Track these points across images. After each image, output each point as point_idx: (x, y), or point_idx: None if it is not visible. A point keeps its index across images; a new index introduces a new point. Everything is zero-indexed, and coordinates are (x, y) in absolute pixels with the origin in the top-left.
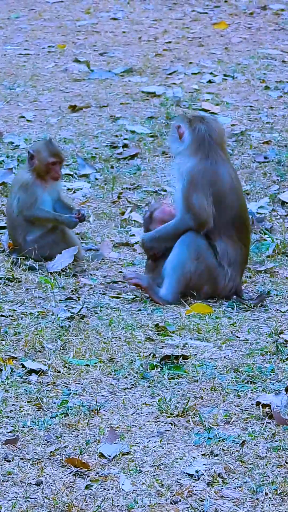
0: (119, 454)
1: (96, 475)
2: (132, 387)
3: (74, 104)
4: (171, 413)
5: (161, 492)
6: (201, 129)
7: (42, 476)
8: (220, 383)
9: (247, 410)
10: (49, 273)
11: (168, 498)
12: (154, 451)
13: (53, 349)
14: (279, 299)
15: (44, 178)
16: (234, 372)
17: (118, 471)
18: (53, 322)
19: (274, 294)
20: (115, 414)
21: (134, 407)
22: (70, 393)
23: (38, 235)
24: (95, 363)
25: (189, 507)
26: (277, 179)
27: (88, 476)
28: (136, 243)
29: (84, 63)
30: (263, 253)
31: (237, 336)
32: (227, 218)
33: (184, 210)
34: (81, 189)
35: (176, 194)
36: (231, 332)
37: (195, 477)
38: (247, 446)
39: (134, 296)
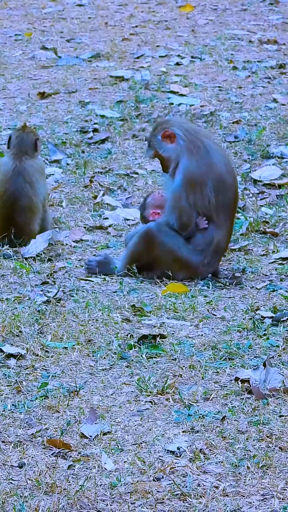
0: (100, 434)
1: (78, 455)
2: (111, 367)
3: (43, 91)
4: (150, 392)
5: (144, 469)
6: (189, 131)
7: (24, 458)
8: (199, 361)
9: (226, 386)
10: (24, 259)
11: (150, 475)
12: (135, 429)
13: (31, 333)
14: (254, 276)
15: None
16: (212, 349)
17: (100, 450)
18: (29, 307)
19: (249, 272)
20: (95, 395)
21: (114, 387)
22: (49, 375)
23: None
24: (73, 345)
25: (172, 483)
26: (248, 158)
27: (70, 456)
28: (109, 226)
29: (52, 50)
30: (237, 232)
31: (213, 314)
32: (227, 200)
33: (172, 208)
34: (52, 174)
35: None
36: (208, 310)
37: (176, 453)
38: (227, 422)
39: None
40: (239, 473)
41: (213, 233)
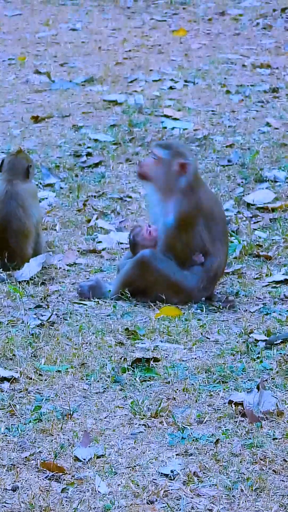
0: (94, 457)
1: (71, 478)
2: (105, 391)
3: (37, 114)
4: (144, 415)
5: (137, 492)
6: (195, 164)
7: (18, 481)
8: (192, 384)
9: (220, 409)
10: (18, 282)
11: (144, 498)
12: (129, 452)
13: (24, 356)
14: (247, 300)
15: None
16: (206, 372)
17: (94, 473)
18: (23, 330)
19: (242, 295)
20: (89, 418)
21: (107, 411)
22: (42, 399)
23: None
24: (67, 368)
25: (166, 506)
26: (242, 182)
27: (64, 479)
28: (103, 249)
29: (45, 74)
30: (231, 255)
31: (207, 337)
32: (218, 230)
33: (165, 249)
34: (46, 198)
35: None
36: (201, 334)
37: (170, 476)
38: (221, 445)
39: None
40: (233, 496)
41: (211, 261)
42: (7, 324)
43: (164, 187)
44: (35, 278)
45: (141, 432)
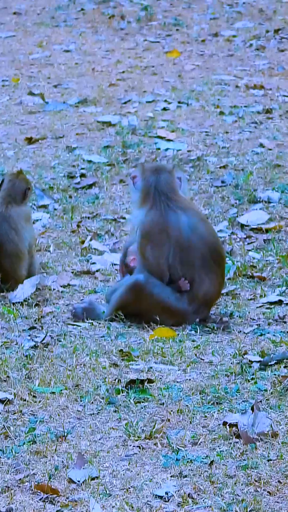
0: (88, 479)
1: (66, 500)
2: (99, 412)
3: (30, 136)
4: (138, 437)
5: None
6: (149, 180)
7: (12, 503)
8: (186, 405)
9: (214, 431)
10: (12, 304)
11: None
12: (123, 474)
13: (18, 378)
14: (241, 321)
15: None
16: (200, 393)
17: (88, 495)
18: (17, 352)
19: (236, 316)
20: (83, 440)
21: (102, 432)
22: (37, 420)
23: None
24: (61, 390)
25: None
26: (235, 203)
27: (58, 501)
28: (97, 270)
29: (39, 95)
30: (225, 276)
31: (201, 359)
32: (197, 259)
33: (141, 264)
34: (40, 219)
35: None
36: (195, 355)
37: (165, 498)
38: (215, 466)
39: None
40: None
41: (197, 290)
42: (1, 345)
43: (132, 200)
44: (29, 299)
45: (136, 453)
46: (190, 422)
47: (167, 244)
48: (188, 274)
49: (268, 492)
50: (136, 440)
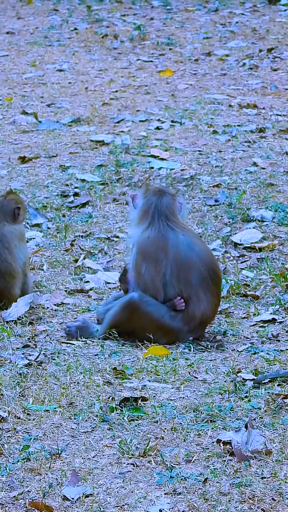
0: (82, 496)
1: None
2: (93, 430)
3: (24, 155)
4: (132, 454)
5: None
6: (150, 199)
7: None
8: (180, 423)
9: (208, 448)
10: (5, 322)
11: None
12: (117, 492)
13: (12, 396)
14: (235, 339)
15: None
16: (194, 411)
17: None
18: (11, 370)
19: (230, 334)
20: (77, 457)
21: (96, 450)
22: (31, 438)
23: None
24: (55, 408)
25: None
26: (229, 221)
27: None
28: (90, 289)
29: (32, 114)
30: (221, 296)
31: (195, 377)
32: (195, 277)
33: (136, 281)
34: (33, 238)
35: (129, 262)
36: (189, 373)
37: None
38: (209, 484)
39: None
40: None
41: (193, 308)
42: None
43: (130, 217)
44: (22, 318)
45: (130, 471)
46: (184, 440)
47: (164, 261)
48: (185, 292)
49: (262, 509)
50: (130, 458)
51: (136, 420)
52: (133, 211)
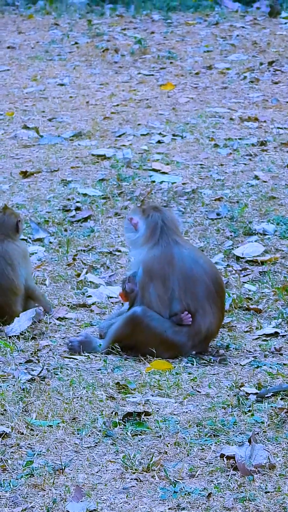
0: None
1: None
2: (96, 445)
3: (25, 170)
4: (136, 469)
5: None
6: (154, 215)
7: None
8: (184, 438)
9: (212, 463)
10: (8, 337)
11: None
12: (121, 507)
13: (15, 411)
14: (238, 353)
15: None
16: (197, 426)
17: None
18: (14, 385)
19: (233, 348)
20: (80, 473)
21: (99, 465)
22: (34, 453)
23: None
24: (58, 423)
25: None
26: (231, 235)
27: None
28: (93, 303)
29: (33, 129)
30: (224, 310)
31: (198, 391)
32: (201, 291)
33: (141, 301)
34: (35, 253)
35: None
36: (192, 387)
37: None
38: (213, 498)
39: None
40: None
41: (199, 322)
42: None
43: (130, 242)
44: (25, 333)
45: (133, 486)
46: (188, 455)
47: (171, 277)
48: (191, 306)
49: None
50: (134, 473)
51: (140, 435)
52: (135, 233)
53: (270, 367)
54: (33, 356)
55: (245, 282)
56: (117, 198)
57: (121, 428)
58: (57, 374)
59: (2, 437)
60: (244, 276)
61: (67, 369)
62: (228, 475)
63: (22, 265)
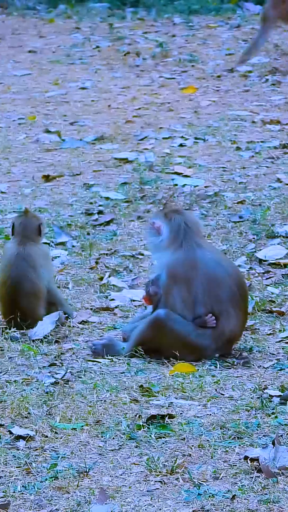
0: None
1: None
2: (120, 448)
3: (47, 173)
4: (160, 472)
5: None
6: (177, 218)
7: None
8: (207, 440)
9: (236, 465)
10: (32, 341)
11: None
12: (145, 509)
13: (39, 414)
14: (261, 355)
15: None
16: (221, 428)
17: None
18: (37, 388)
19: (256, 351)
20: (105, 475)
21: (123, 468)
22: (58, 456)
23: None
24: (82, 426)
25: None
26: (253, 238)
27: None
28: (116, 307)
29: (55, 133)
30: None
31: (221, 394)
32: (225, 293)
33: (165, 305)
34: (58, 257)
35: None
36: (216, 390)
37: None
38: (237, 501)
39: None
40: None
41: (223, 325)
42: (22, 382)
43: (153, 246)
44: (48, 336)
45: (157, 488)
46: (211, 457)
47: (195, 280)
48: (216, 309)
49: None
50: (158, 475)
51: (163, 437)
52: (158, 237)
53: None
54: (56, 360)
55: (268, 285)
56: (140, 201)
57: (144, 430)
58: (80, 378)
59: (26, 440)
60: (266, 279)
61: (90, 372)
62: (252, 477)
63: (44, 268)
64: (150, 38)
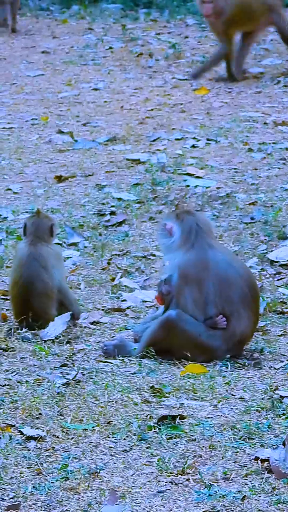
0: None
1: None
2: (131, 448)
3: (60, 174)
4: (170, 472)
5: None
6: (188, 219)
7: None
8: (218, 441)
9: (246, 466)
10: (43, 341)
11: None
12: (156, 510)
13: (51, 415)
14: (272, 356)
15: None
16: (231, 429)
17: None
18: (49, 389)
19: (267, 352)
20: (115, 476)
21: (134, 468)
22: (69, 457)
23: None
24: (93, 427)
25: None
26: (265, 239)
27: None
28: (127, 308)
29: (68, 133)
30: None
31: (232, 394)
32: (236, 294)
33: (176, 305)
34: (70, 257)
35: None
36: (227, 391)
37: None
38: (248, 501)
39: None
40: None
41: (234, 326)
42: (33, 383)
43: (165, 247)
44: (60, 337)
45: (168, 489)
46: (222, 458)
47: (206, 281)
48: (227, 310)
49: None
50: (169, 476)
51: (174, 438)
52: (170, 238)
53: None
54: (68, 360)
55: (279, 286)
56: (152, 202)
57: (155, 431)
58: (92, 378)
59: (37, 441)
60: (278, 280)
61: (102, 373)
62: (263, 478)
63: (56, 268)
64: (163, 39)
